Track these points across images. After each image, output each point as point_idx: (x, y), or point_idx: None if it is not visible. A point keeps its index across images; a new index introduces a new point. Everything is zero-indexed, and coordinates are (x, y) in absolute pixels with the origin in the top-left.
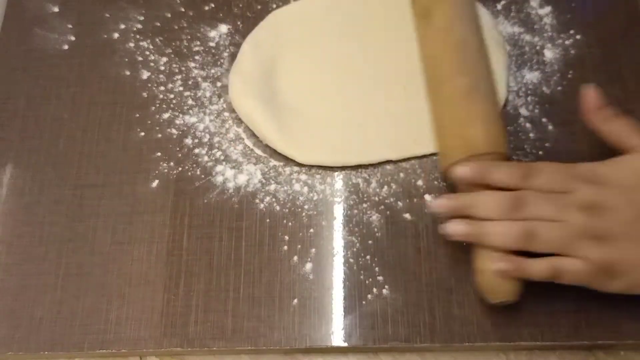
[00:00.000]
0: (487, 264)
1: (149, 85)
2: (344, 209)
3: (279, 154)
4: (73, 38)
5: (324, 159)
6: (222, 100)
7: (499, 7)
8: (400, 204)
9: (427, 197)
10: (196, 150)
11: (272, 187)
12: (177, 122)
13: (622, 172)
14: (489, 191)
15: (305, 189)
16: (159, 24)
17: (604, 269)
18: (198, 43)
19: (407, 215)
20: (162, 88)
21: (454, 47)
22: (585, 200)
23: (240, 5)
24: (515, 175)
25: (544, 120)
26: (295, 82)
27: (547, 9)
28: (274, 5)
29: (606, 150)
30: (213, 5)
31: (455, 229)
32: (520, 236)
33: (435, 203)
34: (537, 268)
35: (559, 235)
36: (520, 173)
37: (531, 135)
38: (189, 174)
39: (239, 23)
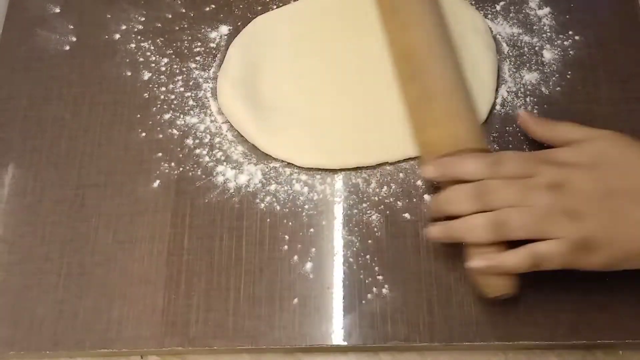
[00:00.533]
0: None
1: (150, 85)
2: (343, 209)
3: None
4: (74, 39)
5: (322, 161)
6: None
7: (497, 7)
8: (399, 203)
9: (427, 197)
10: (197, 151)
11: (273, 187)
12: (178, 122)
13: (580, 155)
14: (454, 186)
15: (306, 189)
16: (159, 25)
17: (581, 245)
18: (199, 44)
19: (407, 215)
20: (163, 89)
21: (408, 49)
22: (549, 180)
23: (241, 6)
24: (479, 165)
25: None
26: (286, 85)
27: (546, 10)
28: (274, 6)
29: None
30: (213, 6)
31: (431, 233)
32: (490, 226)
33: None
34: (515, 259)
35: (530, 219)
36: (484, 163)
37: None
38: (190, 174)
39: (239, 24)
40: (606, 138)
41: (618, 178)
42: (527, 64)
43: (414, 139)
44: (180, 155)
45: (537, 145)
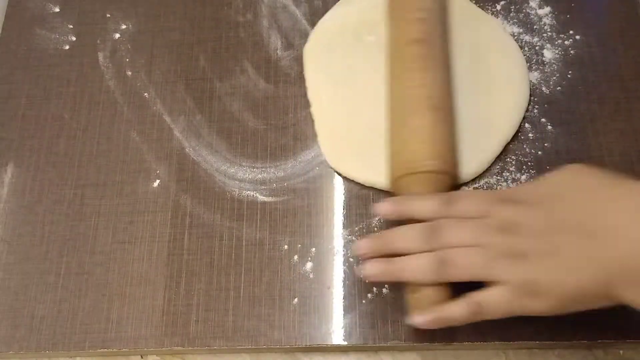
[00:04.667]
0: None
1: (150, 85)
2: (344, 209)
3: None
4: (74, 38)
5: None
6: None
7: (498, 7)
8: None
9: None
10: (197, 151)
11: (273, 185)
12: (179, 121)
13: (538, 188)
14: (406, 225)
15: (307, 188)
16: (159, 24)
17: (525, 289)
18: None
19: None
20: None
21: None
22: (501, 220)
23: (241, 7)
24: (435, 204)
25: (543, 120)
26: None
27: (547, 10)
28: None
29: (606, 150)
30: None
31: (370, 270)
32: (434, 266)
33: (358, 245)
34: (458, 311)
35: (474, 260)
36: (438, 202)
37: (530, 135)
38: (190, 173)
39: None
40: (568, 170)
41: (569, 214)
42: (528, 64)
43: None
44: (180, 155)
45: (537, 145)
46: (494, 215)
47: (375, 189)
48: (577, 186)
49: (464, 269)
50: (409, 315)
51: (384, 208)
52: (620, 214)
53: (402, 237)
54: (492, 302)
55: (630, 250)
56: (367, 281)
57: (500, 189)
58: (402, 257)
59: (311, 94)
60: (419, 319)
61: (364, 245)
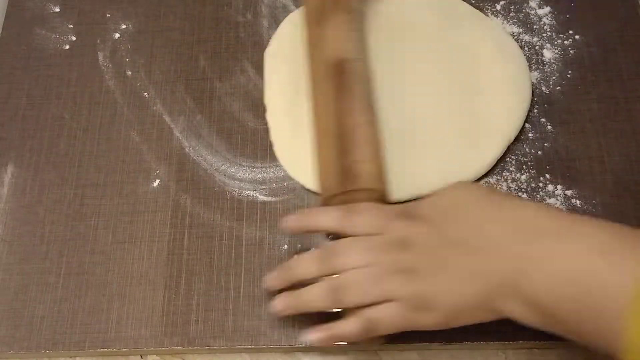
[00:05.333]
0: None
1: (150, 85)
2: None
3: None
4: (74, 38)
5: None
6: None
7: (498, 7)
8: (400, 203)
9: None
10: (197, 150)
11: (273, 185)
12: (179, 121)
13: (430, 204)
14: (307, 251)
15: (306, 188)
16: (159, 24)
17: (415, 303)
18: None
19: None
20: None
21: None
22: (395, 236)
23: (241, 7)
24: (335, 218)
25: (543, 120)
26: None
27: (546, 9)
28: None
29: (606, 150)
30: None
31: (277, 306)
32: (329, 293)
33: (265, 280)
34: (350, 327)
35: (366, 279)
36: (337, 215)
37: (530, 135)
38: (190, 173)
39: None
40: (462, 187)
41: (457, 230)
42: (528, 64)
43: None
44: (180, 155)
45: (537, 145)
46: (387, 231)
47: None
48: (467, 203)
49: (357, 292)
50: (307, 334)
51: (289, 224)
52: (500, 230)
53: (300, 264)
54: (383, 317)
55: (507, 264)
56: (279, 316)
57: (500, 189)
58: (302, 290)
59: (267, 100)
60: (312, 335)
61: (269, 278)
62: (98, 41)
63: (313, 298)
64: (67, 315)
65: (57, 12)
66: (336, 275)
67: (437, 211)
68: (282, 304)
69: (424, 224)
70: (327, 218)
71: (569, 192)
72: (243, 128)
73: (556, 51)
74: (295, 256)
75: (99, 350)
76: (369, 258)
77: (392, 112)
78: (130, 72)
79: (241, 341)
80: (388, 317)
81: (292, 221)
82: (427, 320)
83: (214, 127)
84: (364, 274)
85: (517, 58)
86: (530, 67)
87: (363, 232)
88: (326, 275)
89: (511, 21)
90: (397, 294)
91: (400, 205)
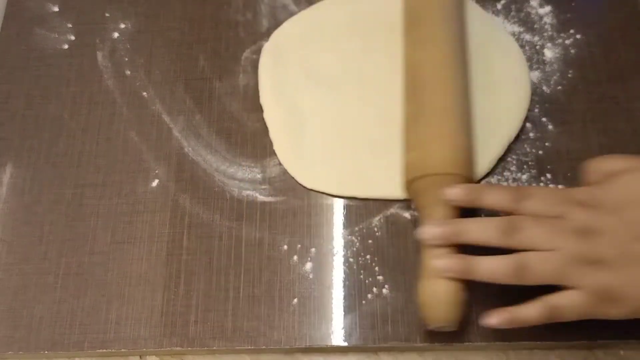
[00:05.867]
0: (432, 285)
1: (149, 84)
2: (344, 208)
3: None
4: (73, 37)
5: (329, 189)
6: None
7: (498, 6)
8: (400, 203)
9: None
10: (197, 150)
11: (273, 185)
12: (178, 121)
13: (616, 192)
14: (480, 218)
15: (306, 188)
16: (159, 24)
17: (603, 296)
18: None
19: (407, 215)
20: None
21: (414, 66)
22: (579, 224)
23: (241, 7)
24: (507, 198)
25: (543, 119)
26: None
27: (547, 9)
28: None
29: (606, 150)
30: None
31: (445, 264)
32: (511, 271)
33: (426, 232)
34: (532, 313)
35: (552, 266)
36: (512, 196)
37: (531, 134)
38: (189, 173)
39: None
40: (635, 175)
41: None
42: (528, 63)
43: (409, 146)
44: (180, 155)
45: (538, 145)
46: (569, 217)
47: None
48: None
49: (541, 274)
50: (486, 320)
51: (455, 193)
52: None
53: (479, 228)
54: (567, 306)
55: None
56: (432, 271)
57: None
58: (477, 258)
59: (263, 100)
60: (494, 319)
61: (432, 231)
62: (97, 41)
63: (496, 271)
64: (66, 315)
65: (56, 11)
66: (519, 254)
67: (617, 201)
68: (451, 265)
69: (607, 214)
70: (498, 196)
71: None
72: (242, 128)
73: (557, 50)
74: (466, 218)
75: (98, 350)
76: (556, 242)
77: (391, 111)
78: (129, 72)
79: (241, 342)
80: (572, 306)
81: (460, 191)
82: (611, 312)
83: (213, 127)
84: (550, 258)
85: (516, 55)
86: (531, 67)
87: (540, 215)
88: (505, 248)
89: (512, 20)
90: (582, 283)
91: (569, 190)
